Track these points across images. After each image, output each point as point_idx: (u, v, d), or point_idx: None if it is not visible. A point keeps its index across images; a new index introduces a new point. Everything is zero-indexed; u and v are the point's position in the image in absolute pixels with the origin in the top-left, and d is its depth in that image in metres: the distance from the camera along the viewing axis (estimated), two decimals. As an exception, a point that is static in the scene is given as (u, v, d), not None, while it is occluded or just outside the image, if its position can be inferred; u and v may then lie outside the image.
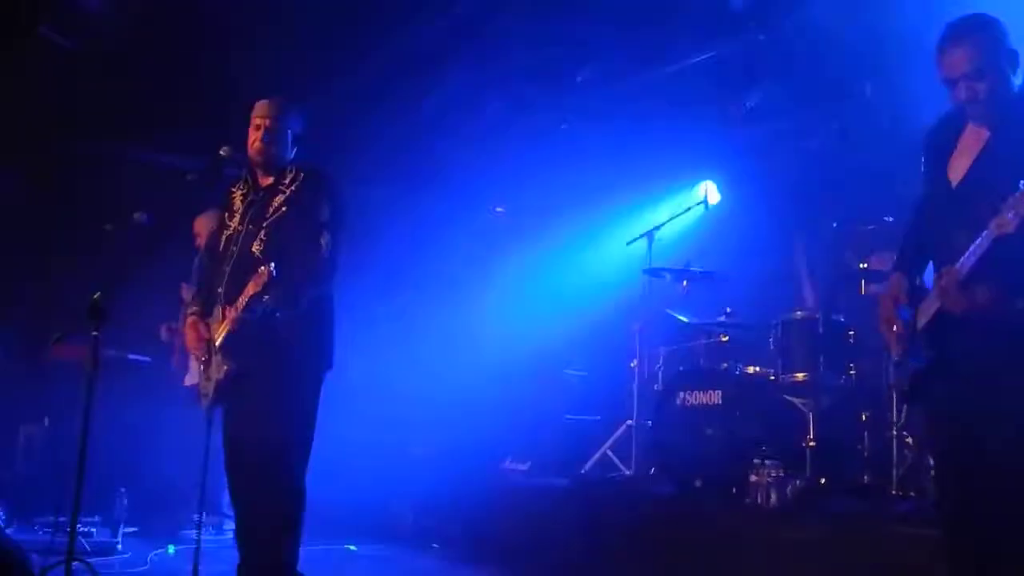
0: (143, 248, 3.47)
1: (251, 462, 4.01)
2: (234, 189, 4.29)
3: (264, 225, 4.03)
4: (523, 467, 7.10)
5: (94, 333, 3.41)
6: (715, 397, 6.04)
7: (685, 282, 7.07)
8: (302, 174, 4.13)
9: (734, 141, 7.77)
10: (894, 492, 5.60)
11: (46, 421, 6.83)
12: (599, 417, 7.42)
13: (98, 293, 3.34)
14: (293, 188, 4.08)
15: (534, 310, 9.57)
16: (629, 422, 7.05)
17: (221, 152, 3.49)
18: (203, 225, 6.33)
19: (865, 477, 5.90)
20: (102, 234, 4.46)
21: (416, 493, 6.51)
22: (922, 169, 3.28)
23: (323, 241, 3.96)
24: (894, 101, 6.42)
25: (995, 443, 2.87)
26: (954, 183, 3.04)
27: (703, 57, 6.50)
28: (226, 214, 4.25)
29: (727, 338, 6.79)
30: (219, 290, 4.08)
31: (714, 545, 5.09)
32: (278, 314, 3.78)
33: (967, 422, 2.95)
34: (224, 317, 3.99)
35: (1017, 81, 2.97)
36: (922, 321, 3.02)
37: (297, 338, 3.94)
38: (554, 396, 7.42)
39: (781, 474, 5.41)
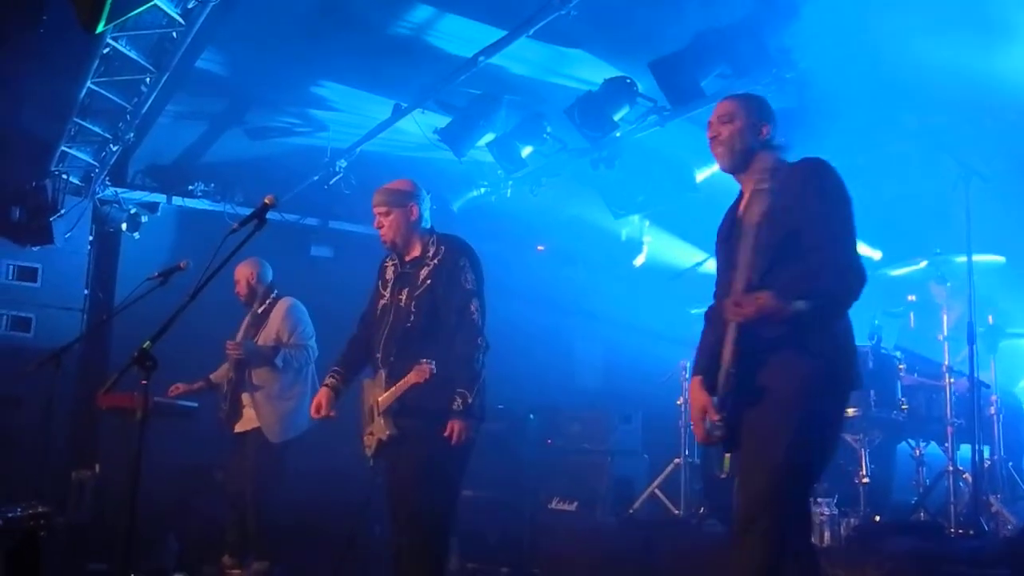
0: (189, 294, 3.51)
1: (406, 511, 4.35)
2: (387, 262, 4.64)
3: (415, 296, 4.40)
4: (570, 507, 7.04)
5: (143, 382, 3.43)
6: (764, 434, 5.94)
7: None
8: (443, 248, 4.48)
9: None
10: (952, 530, 5.47)
11: (97, 468, 6.89)
12: (646, 456, 7.35)
13: (147, 342, 3.38)
14: (436, 261, 4.45)
15: (579, 349, 9.54)
16: (677, 460, 6.98)
17: (266, 201, 3.55)
18: (243, 273, 6.38)
19: (922, 514, 5.77)
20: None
21: (461, 533, 6.46)
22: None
23: (472, 307, 4.34)
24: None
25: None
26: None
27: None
28: (380, 284, 4.62)
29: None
30: (377, 355, 4.47)
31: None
32: (471, 398, 4.20)
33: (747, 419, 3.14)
34: (386, 383, 4.34)
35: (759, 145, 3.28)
36: (726, 364, 3.10)
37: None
38: (600, 435, 7.35)
39: (834, 512, 5.32)
